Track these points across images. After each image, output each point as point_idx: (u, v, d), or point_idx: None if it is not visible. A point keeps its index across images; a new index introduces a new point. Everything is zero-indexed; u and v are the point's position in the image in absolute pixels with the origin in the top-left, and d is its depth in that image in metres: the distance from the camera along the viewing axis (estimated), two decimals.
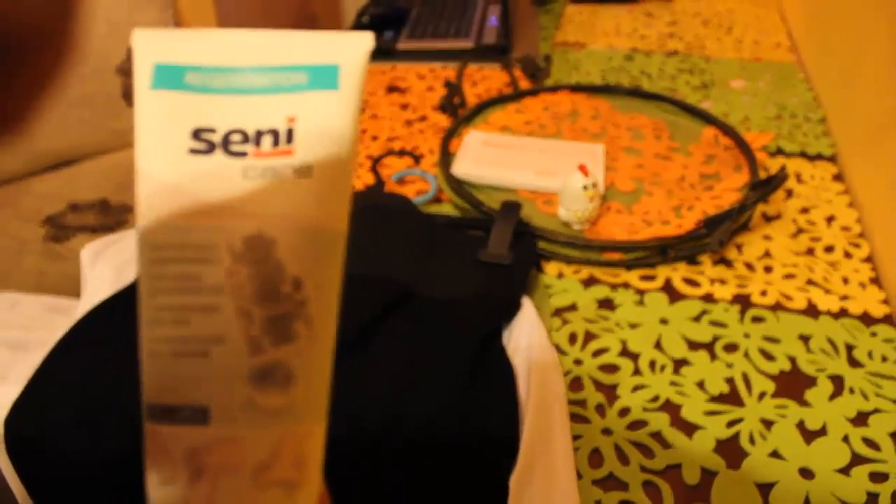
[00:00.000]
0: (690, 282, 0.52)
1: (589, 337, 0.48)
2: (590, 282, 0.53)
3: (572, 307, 0.50)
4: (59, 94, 0.75)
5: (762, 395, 0.43)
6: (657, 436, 0.41)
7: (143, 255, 0.19)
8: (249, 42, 0.21)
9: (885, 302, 0.50)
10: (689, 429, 0.41)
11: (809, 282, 0.52)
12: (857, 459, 0.39)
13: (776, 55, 0.87)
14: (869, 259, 0.54)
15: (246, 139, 0.20)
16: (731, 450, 0.40)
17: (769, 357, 0.46)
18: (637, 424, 0.42)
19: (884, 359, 0.45)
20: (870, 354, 0.46)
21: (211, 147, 0.20)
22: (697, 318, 0.49)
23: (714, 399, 0.43)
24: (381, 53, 0.89)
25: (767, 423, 0.41)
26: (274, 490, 0.19)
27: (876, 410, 0.42)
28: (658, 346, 0.47)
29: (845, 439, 0.40)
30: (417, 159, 0.68)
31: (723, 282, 0.52)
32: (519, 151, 0.66)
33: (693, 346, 0.47)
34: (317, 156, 0.20)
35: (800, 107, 0.75)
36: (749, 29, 0.95)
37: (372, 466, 0.36)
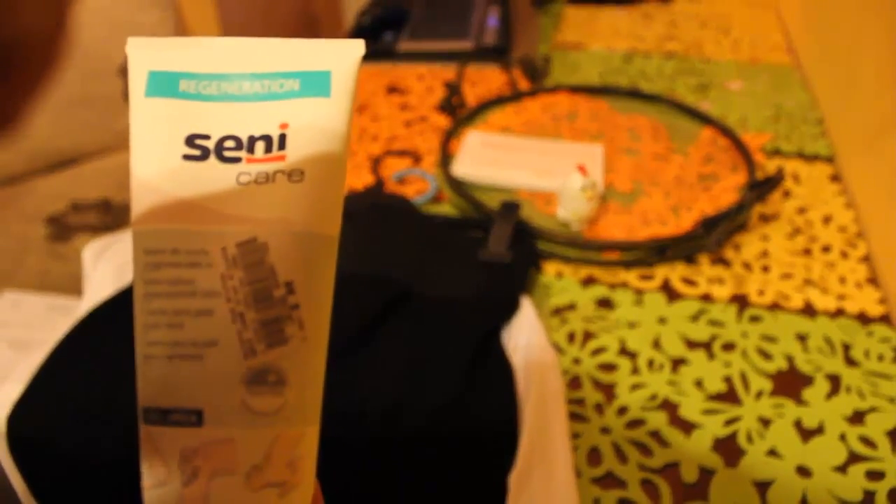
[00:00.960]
0: (688, 281, 0.53)
1: (587, 336, 0.48)
2: (588, 281, 0.53)
3: (571, 306, 0.51)
4: (59, 94, 0.76)
5: (760, 394, 0.43)
6: (655, 434, 0.41)
7: (138, 259, 0.20)
8: (242, 49, 0.21)
9: (882, 301, 0.50)
10: (688, 427, 0.42)
11: (807, 281, 0.52)
12: (853, 458, 0.40)
13: (774, 57, 0.87)
14: (866, 259, 0.54)
15: (239, 145, 0.20)
16: (728, 448, 0.40)
17: (767, 356, 0.46)
18: (635, 423, 0.42)
19: (880, 358, 0.46)
20: (866, 353, 0.46)
21: (205, 153, 0.20)
22: (695, 318, 0.49)
23: (712, 398, 0.43)
24: (381, 54, 0.89)
25: (765, 422, 0.42)
26: (267, 491, 0.19)
27: (872, 409, 0.42)
28: (656, 345, 0.47)
29: (842, 438, 0.41)
30: (417, 159, 0.68)
31: (721, 281, 0.52)
32: (518, 152, 0.67)
33: (691, 345, 0.47)
34: (309, 161, 0.20)
35: (797, 108, 0.76)
36: (747, 30, 0.95)
37: (372, 465, 0.36)
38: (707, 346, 0.47)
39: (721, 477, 0.39)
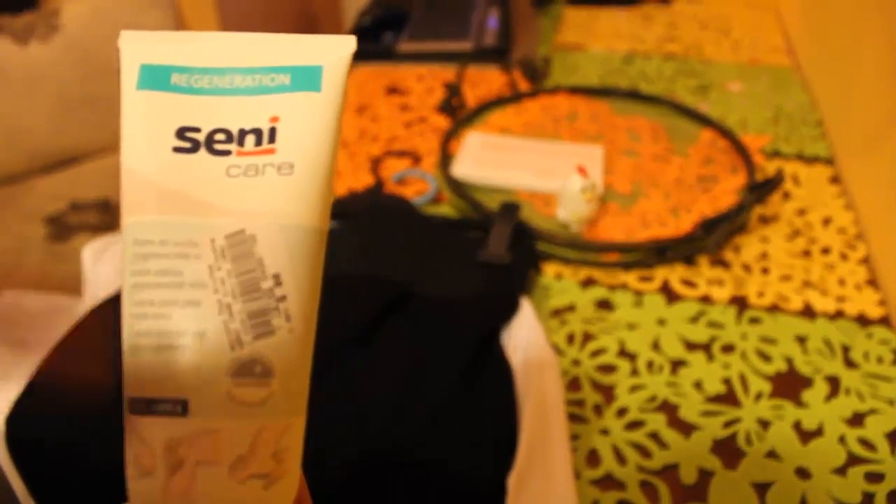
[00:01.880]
0: (688, 283, 0.53)
1: (587, 337, 0.48)
2: (588, 283, 0.53)
3: (570, 308, 0.51)
4: (59, 94, 0.76)
5: (759, 396, 0.43)
6: (655, 436, 0.41)
7: (127, 250, 0.20)
8: (234, 44, 0.21)
9: (882, 303, 0.50)
10: (687, 429, 0.42)
11: (806, 283, 0.52)
12: (852, 460, 0.40)
13: (773, 58, 0.87)
14: (865, 261, 0.54)
15: (230, 138, 0.21)
16: (728, 450, 0.40)
17: (766, 358, 0.46)
18: (635, 424, 0.42)
19: (880, 360, 0.46)
20: (866, 356, 0.46)
21: (195, 146, 0.20)
22: (695, 319, 0.49)
23: (711, 399, 0.43)
24: (382, 55, 0.89)
25: (764, 424, 0.42)
26: (252, 482, 0.20)
27: (872, 411, 0.42)
28: (656, 346, 0.47)
29: (841, 440, 0.41)
30: (417, 160, 0.68)
31: (720, 283, 0.52)
32: (518, 153, 0.67)
33: (690, 346, 0.47)
34: (298, 155, 0.20)
35: (797, 109, 0.76)
36: (746, 32, 0.95)
37: (371, 465, 0.36)
38: (706, 347, 0.47)
39: (720, 478, 0.39)
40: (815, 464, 0.39)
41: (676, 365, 0.46)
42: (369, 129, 0.74)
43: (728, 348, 0.47)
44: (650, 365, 0.46)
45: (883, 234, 0.55)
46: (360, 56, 0.72)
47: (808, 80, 0.82)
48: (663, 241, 0.53)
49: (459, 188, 0.60)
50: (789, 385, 0.44)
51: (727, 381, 0.45)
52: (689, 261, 0.55)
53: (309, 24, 1.54)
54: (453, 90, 0.75)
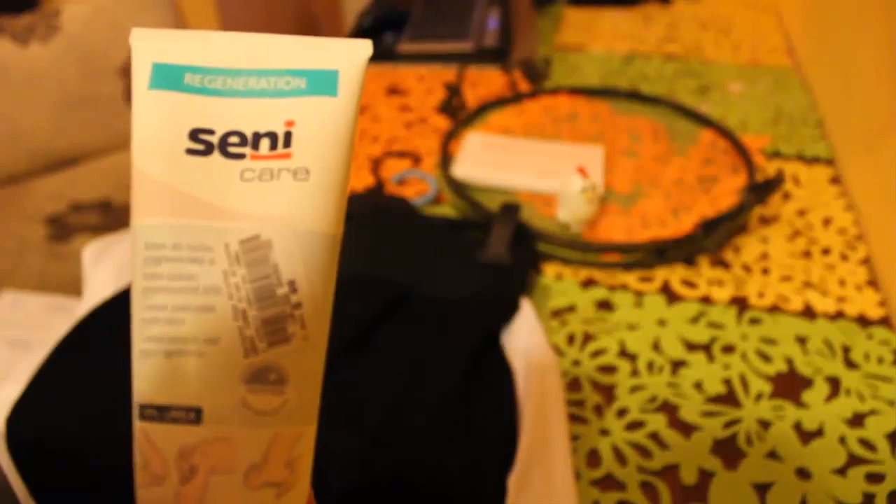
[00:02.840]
0: (688, 283, 0.53)
1: (587, 338, 0.48)
2: (588, 283, 0.53)
3: (571, 308, 0.51)
4: (59, 94, 0.76)
5: (759, 397, 0.43)
6: (655, 436, 0.41)
7: (138, 253, 0.20)
8: (250, 45, 0.21)
9: (882, 304, 0.50)
10: (687, 429, 0.42)
11: (806, 284, 0.52)
12: (853, 460, 0.40)
13: (774, 59, 0.87)
14: (866, 261, 0.54)
15: (244, 141, 0.20)
16: (728, 450, 0.40)
17: (766, 358, 0.46)
18: (635, 425, 0.42)
19: (880, 360, 0.46)
20: (866, 356, 0.46)
21: (209, 148, 0.20)
22: (695, 320, 0.49)
23: (711, 400, 0.43)
24: (382, 56, 0.89)
25: (764, 424, 0.42)
26: (265, 491, 0.19)
27: (872, 412, 0.42)
28: (656, 347, 0.47)
29: (842, 440, 0.41)
30: (417, 161, 0.68)
31: (720, 283, 0.52)
32: (518, 153, 0.67)
33: (691, 347, 0.47)
34: (314, 160, 0.20)
35: (797, 110, 0.76)
36: (747, 33, 0.95)
37: (372, 465, 0.36)
38: (707, 348, 0.47)
39: (720, 479, 0.39)
40: (816, 464, 0.39)
41: (677, 365, 0.46)
42: (369, 130, 0.74)
43: (728, 349, 0.47)
44: (650, 365, 0.46)
45: (883, 234, 0.55)
46: None
47: (808, 81, 0.82)
48: (664, 241, 0.53)
49: (460, 189, 0.60)
50: (790, 385, 0.44)
51: (727, 382, 0.44)
52: (690, 261, 0.55)
53: (309, 24, 1.54)
54: (454, 91, 0.75)
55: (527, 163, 0.65)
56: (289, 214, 0.20)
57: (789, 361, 0.46)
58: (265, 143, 0.20)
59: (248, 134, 0.20)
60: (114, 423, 0.36)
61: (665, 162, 0.67)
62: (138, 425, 0.19)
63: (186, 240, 0.19)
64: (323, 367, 0.21)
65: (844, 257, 0.55)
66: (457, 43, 0.89)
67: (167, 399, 0.19)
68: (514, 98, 0.78)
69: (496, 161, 0.65)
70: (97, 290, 0.46)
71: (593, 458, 0.40)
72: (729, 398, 0.44)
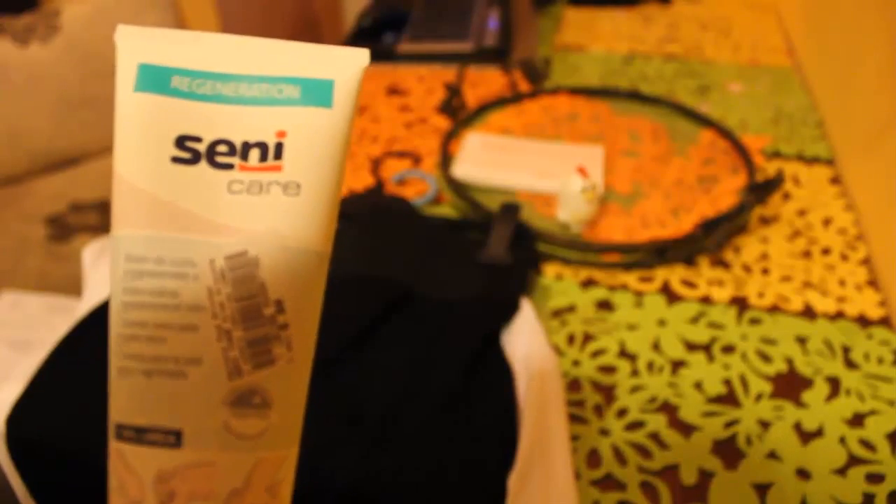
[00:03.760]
0: (688, 283, 0.53)
1: (587, 338, 0.48)
2: (588, 283, 0.53)
3: (571, 308, 0.51)
4: (59, 94, 0.76)
5: (759, 397, 0.43)
6: (655, 436, 0.41)
7: (118, 265, 0.19)
8: (242, 49, 0.20)
9: (882, 304, 0.50)
10: (687, 430, 0.42)
11: (806, 284, 0.52)
12: (853, 460, 0.40)
13: (774, 59, 0.87)
14: (866, 261, 0.54)
15: (232, 151, 0.19)
16: (728, 451, 0.40)
17: (766, 358, 0.46)
18: (635, 425, 0.42)
19: (880, 361, 0.46)
20: (866, 356, 0.46)
21: (196, 157, 0.19)
22: (695, 320, 0.49)
23: (711, 400, 0.43)
24: (382, 56, 0.89)
25: (764, 425, 0.42)
26: None
27: (872, 412, 0.42)
28: (656, 347, 0.47)
29: (842, 441, 0.41)
30: (417, 161, 0.68)
31: (720, 284, 0.52)
32: (518, 153, 0.67)
33: (691, 347, 0.47)
34: (306, 174, 0.19)
35: (797, 110, 0.76)
36: (747, 33, 0.95)
37: (371, 465, 0.36)
38: (707, 348, 0.47)
39: (720, 479, 0.39)
40: (816, 464, 0.39)
41: (677, 365, 0.46)
42: (369, 130, 0.74)
43: (728, 349, 0.47)
44: (650, 365, 0.46)
45: (883, 234, 0.55)
46: None
47: (809, 81, 0.82)
48: (663, 241, 0.53)
49: (460, 189, 0.60)
50: (790, 386, 0.44)
51: (727, 382, 0.44)
52: (690, 261, 0.55)
53: (309, 24, 1.54)
54: (454, 91, 0.75)
55: (527, 163, 0.65)
56: (278, 231, 0.19)
57: (789, 361, 0.46)
58: (255, 154, 0.19)
59: (238, 143, 0.19)
60: None
61: (665, 162, 0.67)
62: (114, 446, 0.18)
63: (170, 253, 0.18)
64: (307, 389, 0.20)
65: (844, 257, 0.55)
66: (457, 43, 0.89)
67: (146, 420, 0.18)
68: (514, 98, 0.78)
69: (496, 161, 0.65)
70: (97, 291, 0.46)
71: (593, 458, 0.40)
72: (729, 398, 0.44)
